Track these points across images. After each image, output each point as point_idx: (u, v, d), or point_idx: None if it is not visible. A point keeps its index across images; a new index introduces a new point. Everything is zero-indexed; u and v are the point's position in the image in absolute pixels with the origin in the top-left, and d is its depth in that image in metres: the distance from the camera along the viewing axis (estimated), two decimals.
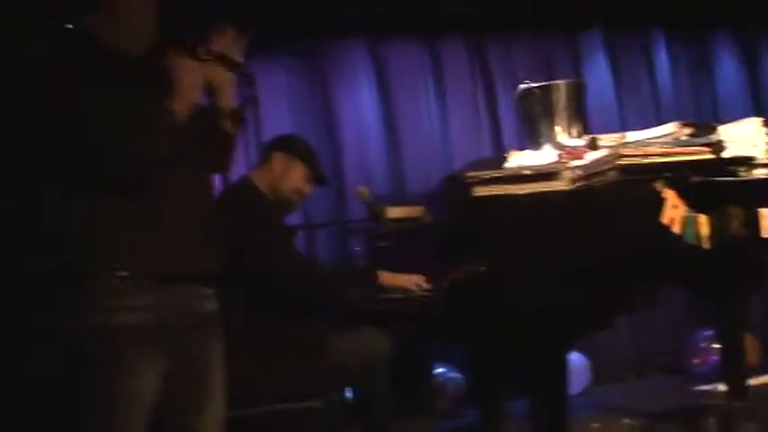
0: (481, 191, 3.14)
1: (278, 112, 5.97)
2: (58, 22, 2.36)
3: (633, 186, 3.21)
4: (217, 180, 3.32)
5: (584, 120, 4.31)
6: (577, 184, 3.33)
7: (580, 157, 3.57)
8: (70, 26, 2.35)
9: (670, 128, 3.64)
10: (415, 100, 6.47)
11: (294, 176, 3.83)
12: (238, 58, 2.48)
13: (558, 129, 4.14)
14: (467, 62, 6.72)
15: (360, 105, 6.32)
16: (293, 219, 4.86)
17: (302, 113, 6.16)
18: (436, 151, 6.42)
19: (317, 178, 3.98)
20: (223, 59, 2.41)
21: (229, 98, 2.52)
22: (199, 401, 2.44)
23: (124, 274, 2.21)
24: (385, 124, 6.38)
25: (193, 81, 2.32)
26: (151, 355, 2.27)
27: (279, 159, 3.80)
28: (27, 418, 2.47)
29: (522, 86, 4.23)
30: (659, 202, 3.10)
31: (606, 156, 3.36)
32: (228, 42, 2.45)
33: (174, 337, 2.33)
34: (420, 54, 6.57)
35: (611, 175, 3.27)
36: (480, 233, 3.13)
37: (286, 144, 3.90)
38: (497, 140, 6.64)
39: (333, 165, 5.99)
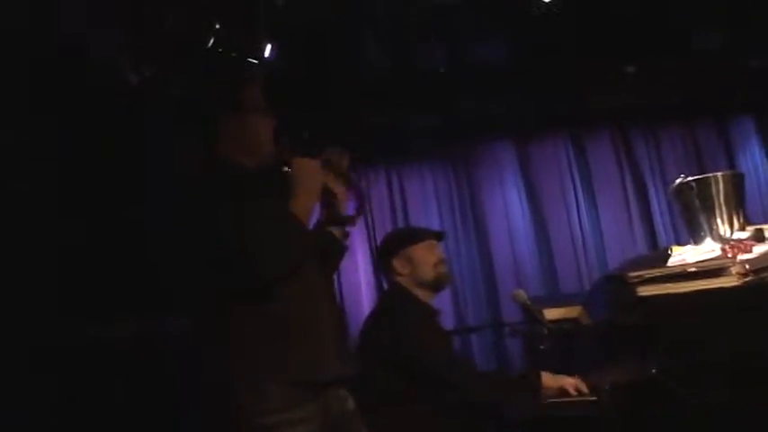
0: (646, 290, 3.07)
1: (428, 215, 6.08)
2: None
3: None
4: None
5: (744, 211, 4.17)
6: (747, 280, 3.20)
7: (747, 251, 3.44)
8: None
9: None
10: (564, 196, 6.45)
11: (424, 260, 3.82)
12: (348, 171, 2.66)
13: (718, 222, 4.01)
14: (613, 155, 6.67)
15: (508, 205, 6.35)
16: (447, 322, 4.88)
17: (451, 217, 6.24)
18: (588, 249, 6.33)
19: (437, 237, 3.96)
20: (338, 169, 2.61)
21: (343, 208, 2.67)
22: None
23: (279, 388, 2.30)
24: (534, 223, 6.37)
25: (315, 183, 2.47)
26: None
27: (399, 261, 3.81)
28: None
29: (679, 180, 4.14)
30: None
31: None
32: (339, 158, 2.64)
33: None
34: (566, 149, 6.57)
35: None
36: (648, 334, 3.05)
37: (390, 248, 3.91)
38: (650, 235, 6.49)
39: (484, 268, 6.00)
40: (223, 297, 2.37)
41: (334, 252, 2.75)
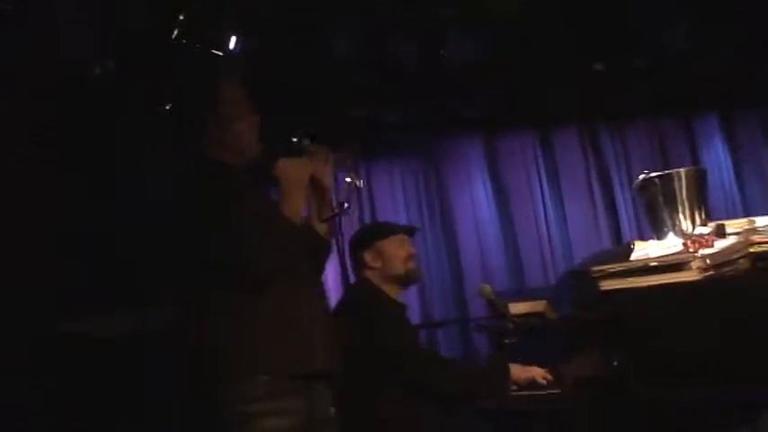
0: (609, 284, 3.09)
1: (395, 210, 6.09)
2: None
3: (767, 274, 3.10)
4: None
5: (706, 206, 4.22)
6: (707, 274, 3.24)
7: (708, 246, 3.48)
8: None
9: None
10: (530, 191, 6.49)
11: (394, 254, 3.82)
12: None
13: (681, 217, 4.06)
14: (580, 151, 6.73)
15: (475, 200, 6.38)
16: (414, 317, 4.89)
17: (418, 211, 6.26)
18: (554, 243, 6.39)
19: (409, 232, 3.97)
20: (324, 162, 2.64)
21: (328, 201, 2.70)
22: None
23: (265, 378, 2.32)
24: (501, 218, 6.40)
25: (300, 182, 2.50)
26: None
27: (370, 255, 3.81)
28: None
29: (642, 176, 4.18)
30: None
31: (736, 243, 3.27)
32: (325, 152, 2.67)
33: None
34: (533, 144, 6.61)
35: (743, 263, 3.17)
36: (610, 327, 3.08)
37: (362, 241, 3.91)
38: (615, 229, 6.55)
39: (451, 263, 6.03)
40: (210, 293, 2.40)
41: (320, 250, 2.76)
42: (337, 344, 2.59)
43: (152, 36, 4.24)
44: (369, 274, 3.81)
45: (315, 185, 2.64)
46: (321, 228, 2.73)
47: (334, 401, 2.60)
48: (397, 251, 3.79)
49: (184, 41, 4.27)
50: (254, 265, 2.34)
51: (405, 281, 3.83)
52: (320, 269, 2.82)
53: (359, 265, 3.84)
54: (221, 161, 2.55)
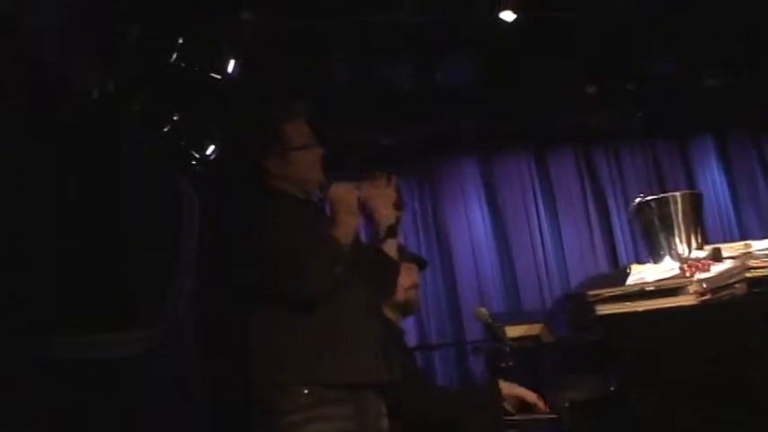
0: (605, 309, 3.10)
1: None
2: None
3: (764, 299, 3.11)
4: None
5: (702, 230, 4.23)
6: (704, 299, 3.25)
7: (704, 270, 3.49)
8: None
9: None
10: (526, 214, 6.50)
11: (399, 282, 3.81)
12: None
13: (677, 241, 4.07)
14: (576, 173, 6.74)
15: (471, 222, 6.38)
16: (410, 340, 4.89)
17: (414, 233, 6.26)
18: (550, 266, 6.39)
19: (420, 264, 3.96)
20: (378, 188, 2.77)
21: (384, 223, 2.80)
22: None
23: (309, 388, 2.42)
24: (497, 240, 6.41)
25: (351, 205, 2.61)
26: None
27: None
28: None
29: (638, 199, 4.19)
30: None
31: (732, 268, 3.28)
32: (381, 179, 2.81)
33: None
34: (529, 167, 6.63)
35: (740, 287, 3.18)
36: (606, 351, 3.08)
37: None
38: (611, 252, 6.56)
39: (447, 285, 6.02)
40: (264, 310, 2.53)
41: (386, 270, 2.88)
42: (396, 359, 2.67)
43: (151, 59, 4.26)
44: None
45: (365, 210, 2.74)
46: (390, 249, 2.84)
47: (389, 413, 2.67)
48: (402, 279, 3.79)
49: (183, 65, 4.30)
50: (302, 285, 2.45)
51: (402, 309, 3.82)
52: (388, 288, 2.97)
53: None
54: (282, 190, 2.68)
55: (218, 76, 4.62)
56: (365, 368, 2.53)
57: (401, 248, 3.14)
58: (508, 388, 3.65)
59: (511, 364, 4.17)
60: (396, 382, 2.65)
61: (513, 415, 3.60)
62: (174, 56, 4.34)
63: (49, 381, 3.41)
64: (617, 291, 3.19)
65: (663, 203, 4.08)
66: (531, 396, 3.57)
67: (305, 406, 2.40)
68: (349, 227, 2.59)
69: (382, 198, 2.77)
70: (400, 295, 3.74)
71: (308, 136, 2.74)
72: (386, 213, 2.78)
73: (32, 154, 3.94)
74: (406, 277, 3.78)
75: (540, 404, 3.54)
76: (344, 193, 2.62)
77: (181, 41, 4.35)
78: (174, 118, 4.63)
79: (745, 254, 3.54)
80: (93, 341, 3.93)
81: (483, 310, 4.39)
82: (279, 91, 4.89)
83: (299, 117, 2.78)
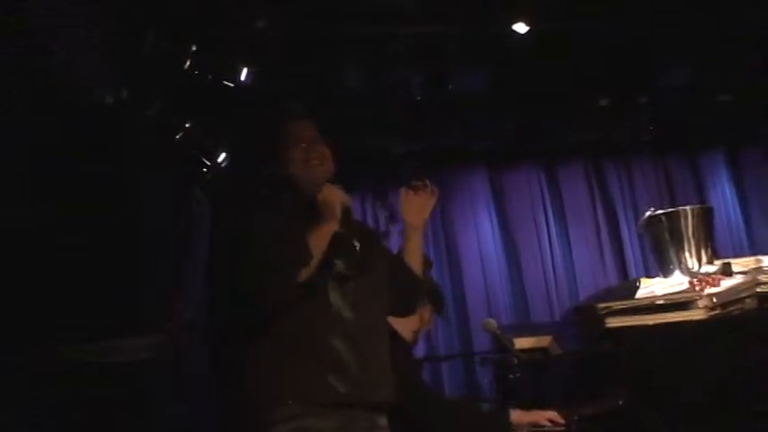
0: (615, 322, 3.10)
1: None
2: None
3: None
4: None
5: (713, 244, 4.22)
6: (714, 313, 3.24)
7: (714, 285, 3.48)
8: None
9: None
10: (536, 227, 6.49)
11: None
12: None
13: (687, 255, 4.06)
14: (586, 187, 6.73)
15: (480, 234, 6.38)
16: (419, 350, 4.88)
17: (424, 245, 6.24)
18: (559, 279, 6.37)
19: (437, 310, 3.95)
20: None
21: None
22: None
23: (292, 404, 2.36)
24: (506, 252, 6.40)
25: (331, 205, 2.50)
26: None
27: None
28: None
29: (648, 213, 4.18)
30: None
31: (743, 283, 3.27)
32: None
33: None
34: (539, 180, 6.62)
35: (750, 302, 3.17)
36: (616, 364, 3.08)
37: None
38: (621, 266, 6.54)
39: (456, 296, 6.01)
40: (239, 324, 2.48)
41: (407, 285, 2.80)
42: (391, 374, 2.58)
43: (164, 67, 4.28)
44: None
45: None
46: (416, 263, 2.78)
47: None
48: (412, 323, 3.79)
49: (196, 72, 4.32)
50: (259, 293, 2.36)
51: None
52: (407, 305, 2.91)
53: None
54: (282, 191, 2.62)
55: (231, 84, 4.64)
56: (347, 385, 2.43)
57: (426, 257, 3.09)
58: (520, 416, 3.61)
59: (519, 375, 4.16)
60: (387, 401, 2.54)
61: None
62: (188, 63, 4.36)
63: (59, 384, 3.41)
64: (627, 304, 3.19)
65: (673, 217, 4.07)
66: (543, 419, 3.54)
67: (294, 416, 2.36)
68: (327, 233, 2.48)
69: (418, 207, 2.77)
70: (408, 335, 3.74)
71: (300, 136, 2.67)
72: (416, 223, 2.79)
73: (44, 157, 3.97)
74: (418, 320, 3.79)
75: (557, 419, 3.51)
76: (331, 197, 2.51)
77: (194, 49, 4.37)
78: (187, 125, 4.65)
79: (755, 269, 3.54)
80: (106, 346, 3.94)
81: (491, 321, 4.37)
82: (291, 99, 4.90)
83: (292, 118, 2.73)
